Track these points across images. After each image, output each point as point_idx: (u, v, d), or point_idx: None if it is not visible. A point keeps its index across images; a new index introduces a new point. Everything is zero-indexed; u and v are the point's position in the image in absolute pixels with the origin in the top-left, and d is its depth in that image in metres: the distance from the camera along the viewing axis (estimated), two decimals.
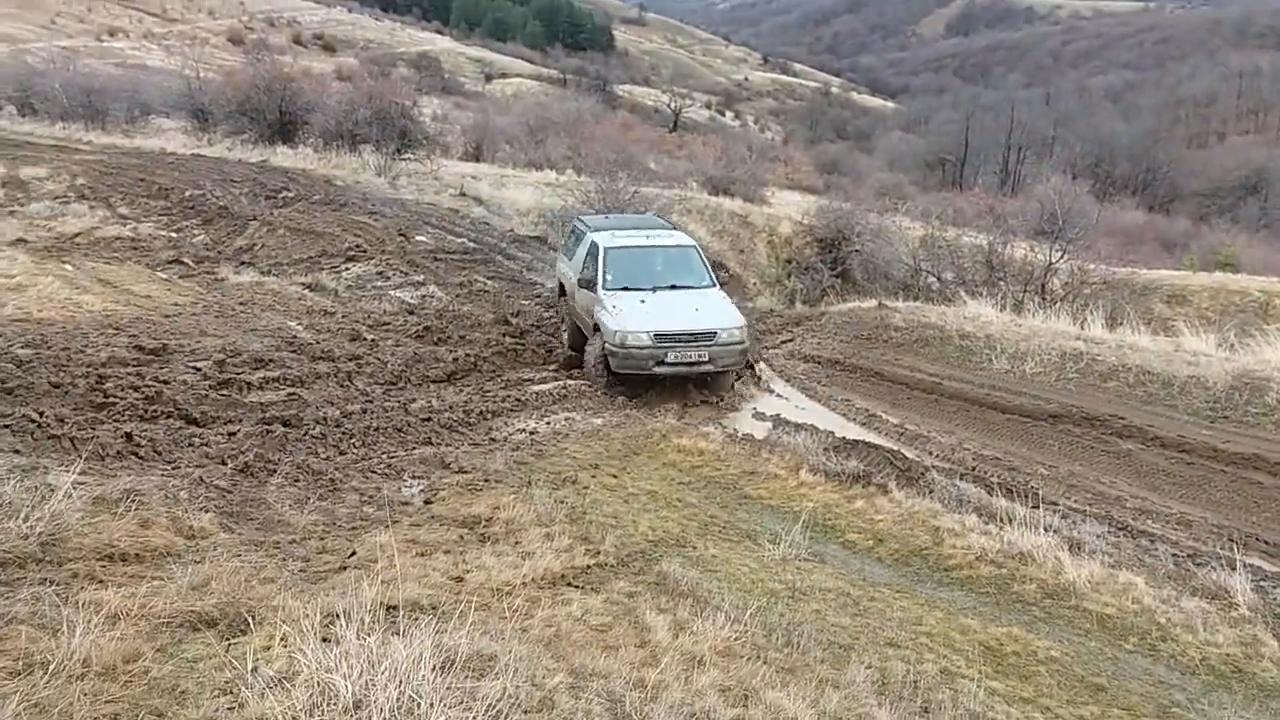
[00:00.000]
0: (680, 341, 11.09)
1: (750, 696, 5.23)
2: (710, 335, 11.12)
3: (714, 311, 11.42)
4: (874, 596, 7.19)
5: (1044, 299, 16.41)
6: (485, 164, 30.05)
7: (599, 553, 7.10)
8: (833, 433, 10.39)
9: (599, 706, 4.72)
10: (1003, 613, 7.19)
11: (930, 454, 10.22)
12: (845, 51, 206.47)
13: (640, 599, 6.46)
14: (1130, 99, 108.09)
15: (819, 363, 12.99)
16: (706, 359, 11.13)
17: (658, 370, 11.15)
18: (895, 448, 10.14)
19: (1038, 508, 8.34)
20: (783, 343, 14.00)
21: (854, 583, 7.37)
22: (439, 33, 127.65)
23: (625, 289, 11.63)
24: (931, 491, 8.95)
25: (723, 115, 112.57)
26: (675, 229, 13.38)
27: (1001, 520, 8.30)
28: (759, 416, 11.11)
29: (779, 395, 11.90)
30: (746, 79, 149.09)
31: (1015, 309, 15.09)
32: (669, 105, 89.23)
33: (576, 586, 6.55)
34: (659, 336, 11.07)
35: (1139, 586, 7.36)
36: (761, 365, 12.86)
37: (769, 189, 33.91)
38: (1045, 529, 8.10)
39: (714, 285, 12.03)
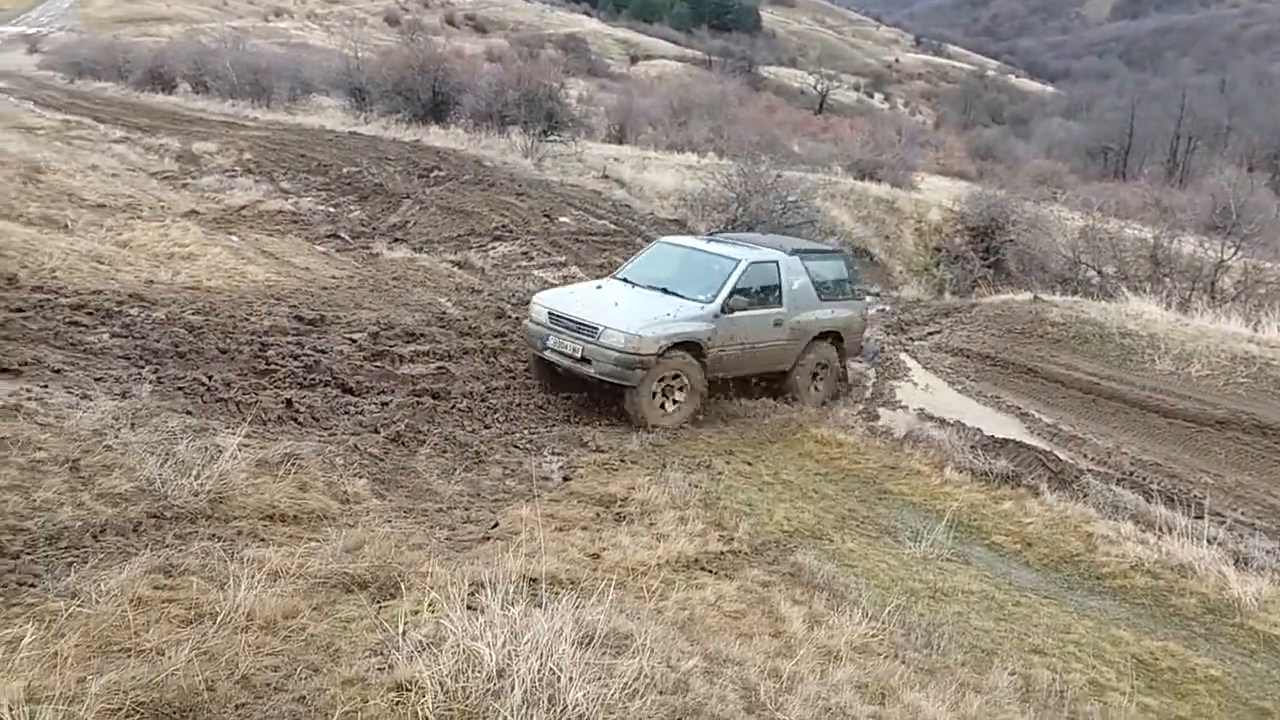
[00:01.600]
0: (564, 328, 9.69)
1: (888, 695, 5.12)
2: (592, 331, 9.43)
3: (627, 312, 9.65)
4: (1020, 601, 6.93)
5: (1213, 298, 15.44)
6: (628, 146, 30.24)
7: (733, 539, 7.08)
8: (980, 430, 10.04)
9: (733, 694, 4.70)
10: (1159, 626, 6.83)
11: (1085, 457, 9.77)
12: (1004, 34, 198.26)
13: (775, 589, 6.41)
14: None
15: (968, 356, 12.57)
16: (581, 356, 9.50)
17: (546, 355, 9.91)
18: (1048, 448, 9.75)
19: (1201, 518, 7.89)
20: (929, 334, 13.61)
21: (999, 586, 7.12)
22: (587, 14, 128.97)
23: (626, 281, 10.67)
24: (1085, 496, 8.57)
25: (871, 98, 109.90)
26: (789, 249, 11.12)
27: (1160, 529, 7.89)
28: (901, 409, 10.84)
29: (924, 389, 11.57)
30: (897, 60, 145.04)
31: (1181, 308, 14.27)
32: (815, 87, 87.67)
33: (710, 571, 6.55)
34: (551, 315, 9.86)
35: None
36: (905, 357, 12.53)
37: (918, 174, 32.99)
38: (1208, 541, 7.65)
39: (712, 302, 9.95)
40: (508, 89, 26.69)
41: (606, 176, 22.35)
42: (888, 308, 15.24)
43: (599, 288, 10.62)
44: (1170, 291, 15.19)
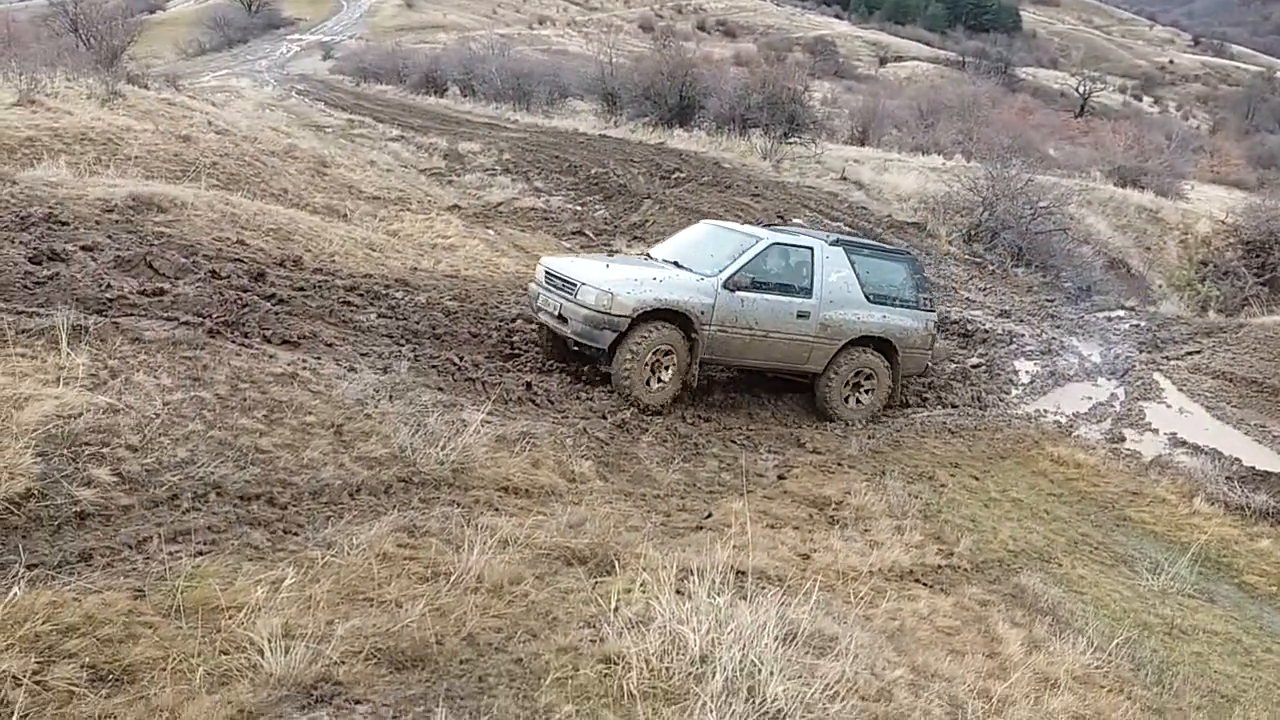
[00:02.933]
0: (553, 286, 9.03)
1: None
2: (571, 287, 8.73)
3: (612, 272, 8.90)
4: (1271, 649, 6.35)
5: None
6: (870, 148, 29.66)
7: (952, 554, 6.90)
8: (1240, 460, 9.20)
9: (939, 708, 4.63)
10: None
11: None
12: None
13: (993, 608, 6.21)
14: None
15: (1231, 380, 11.49)
16: (559, 313, 8.80)
17: (539, 316, 9.23)
18: None
19: None
20: (1188, 354, 12.52)
21: (1248, 629, 6.55)
22: (838, 17, 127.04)
23: (647, 255, 10.11)
24: None
25: (1139, 100, 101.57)
26: (826, 237, 10.10)
27: None
28: (1150, 432, 10.09)
29: (1179, 412, 10.70)
30: (1171, 62, 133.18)
31: None
32: (1076, 89, 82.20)
33: (925, 584, 6.43)
34: (546, 274, 9.22)
35: None
36: (1158, 377, 11.63)
37: (1188, 182, 30.33)
38: None
39: (715, 276, 9.05)
40: (751, 92, 26.89)
41: (845, 178, 22.06)
42: (1142, 322, 14.14)
43: (611, 255, 10.07)
44: None
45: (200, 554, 4.66)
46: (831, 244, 9.85)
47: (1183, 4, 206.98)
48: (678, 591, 4.86)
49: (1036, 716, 4.78)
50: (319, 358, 7.59)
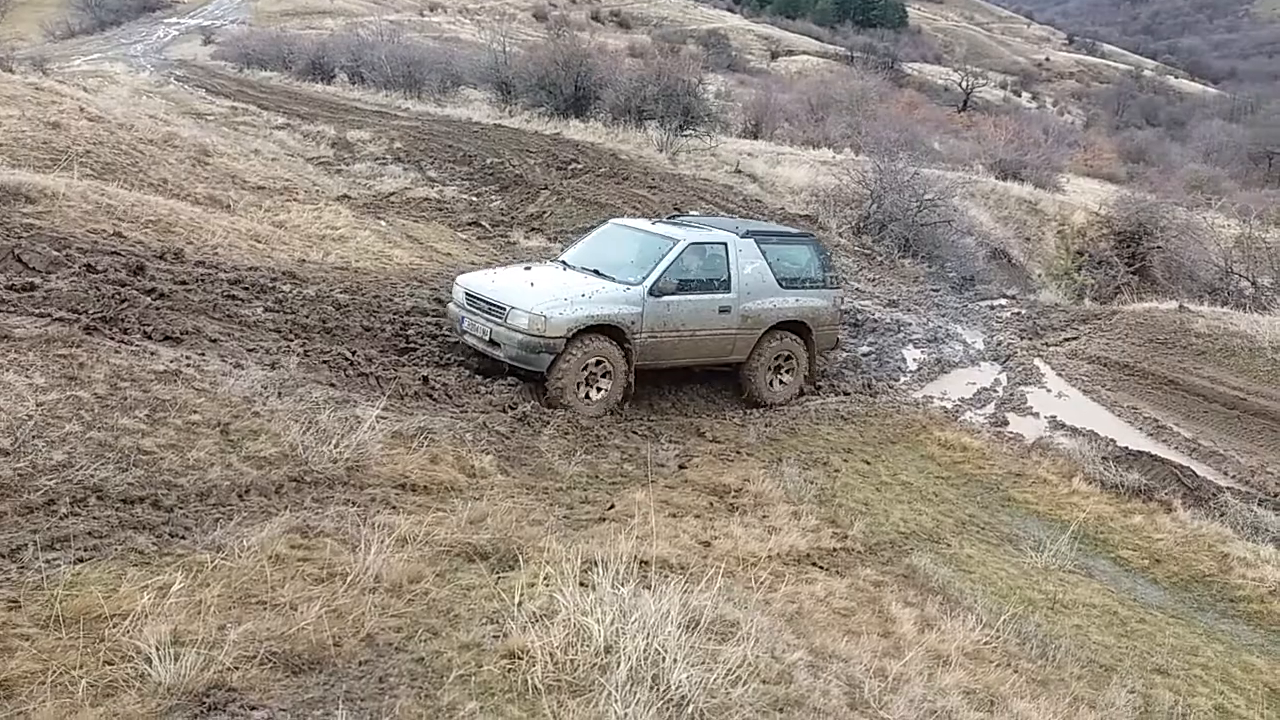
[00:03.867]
0: (477, 309, 9.05)
1: (997, 703, 5.07)
2: (500, 312, 8.75)
3: (539, 292, 8.89)
4: (1144, 619, 6.70)
5: None
6: (763, 141, 30.08)
7: (846, 537, 7.09)
8: (1114, 441, 9.68)
9: (837, 689, 4.74)
10: None
11: (1225, 474, 9.32)
12: (1164, 32, 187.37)
13: (887, 589, 6.39)
14: None
15: (1105, 365, 12.08)
16: (490, 338, 8.82)
17: (465, 339, 9.24)
18: (1185, 463, 9.31)
19: None
20: (1066, 340, 13.12)
21: (1123, 602, 6.90)
22: (730, 10, 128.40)
23: (562, 263, 10.01)
24: (1223, 515, 8.19)
25: (1018, 96, 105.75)
26: (743, 231, 10.25)
27: None
28: (1031, 415, 10.54)
29: (1057, 396, 11.20)
30: (1048, 59, 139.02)
31: None
32: (960, 84, 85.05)
33: (821, 567, 6.58)
34: (468, 296, 9.22)
35: None
36: (1039, 363, 12.14)
37: (1064, 176, 31.70)
38: None
39: (639, 284, 9.17)
40: (647, 84, 26.89)
41: (739, 171, 22.31)
42: (1022, 310, 14.75)
43: (526, 269, 9.98)
44: None
45: (80, 561, 4.46)
46: (743, 236, 10.04)
47: (1058, 3, 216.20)
48: (581, 584, 4.86)
49: (930, 693, 4.94)
50: (203, 354, 7.32)
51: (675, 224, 10.57)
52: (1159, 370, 11.83)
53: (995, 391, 11.27)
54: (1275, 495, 8.84)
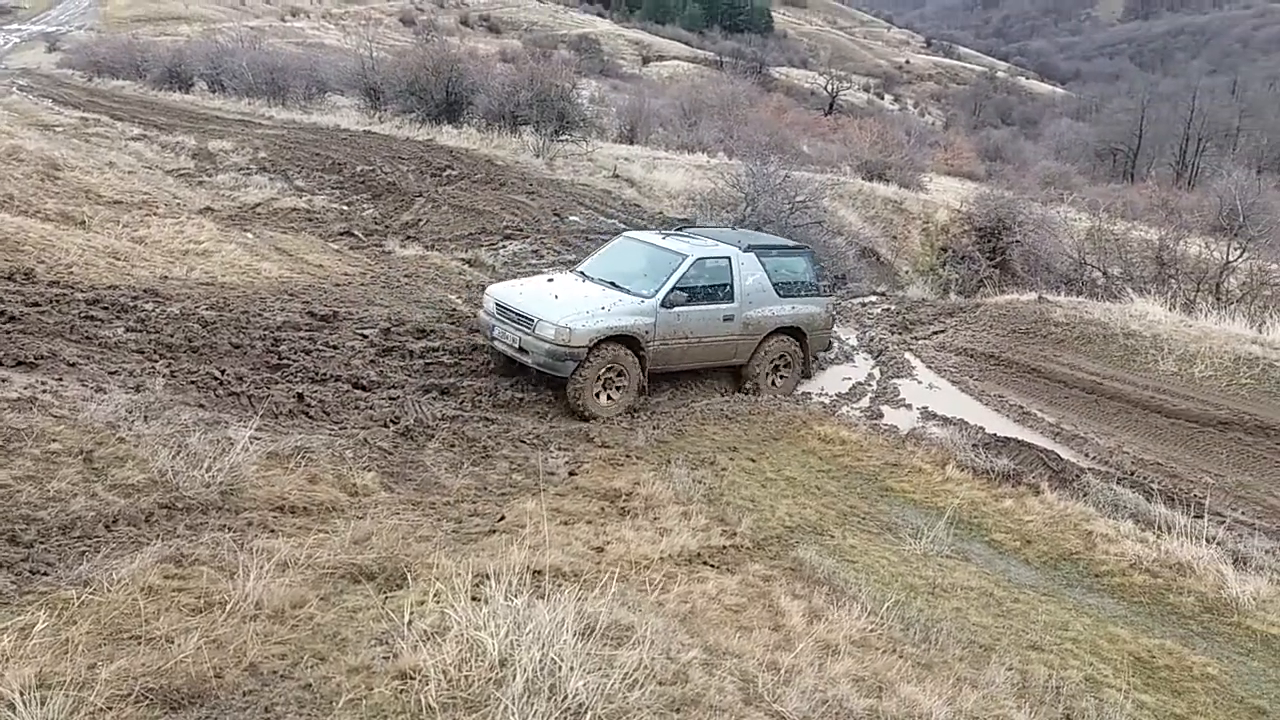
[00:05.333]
0: (507, 319, 9.87)
1: (885, 689, 5.21)
2: (529, 323, 9.58)
3: (562, 305, 9.76)
4: (1018, 598, 7.01)
5: (1218, 300, 15.41)
6: (639, 146, 30.29)
7: (735, 534, 7.18)
8: (983, 428, 10.11)
9: (732, 684, 4.80)
10: (1156, 624, 6.90)
11: (1087, 456, 9.84)
12: (1014, 35, 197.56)
13: (775, 583, 6.50)
14: None
15: (971, 356, 12.62)
16: (519, 346, 9.63)
17: (496, 345, 10.09)
18: (1049, 447, 9.80)
19: (1200, 518, 7.95)
20: (934, 334, 13.65)
21: (998, 583, 7.20)
22: (600, 15, 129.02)
23: (582, 274, 10.79)
24: (1086, 495, 8.63)
25: (881, 99, 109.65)
26: (745, 246, 11.05)
27: (1160, 529, 7.96)
28: (905, 407, 10.92)
29: (928, 387, 11.63)
30: (908, 62, 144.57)
31: (1186, 309, 14.25)
32: (825, 88, 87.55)
33: (712, 566, 6.65)
34: (498, 306, 10.07)
35: None
36: (909, 356, 12.59)
37: (926, 175, 32.95)
38: (1208, 540, 7.72)
39: (652, 296, 10.03)
40: (520, 89, 26.73)
41: (617, 176, 22.43)
42: (892, 306, 15.28)
43: (550, 280, 10.74)
44: (1175, 293, 15.16)
45: None
46: (745, 250, 10.91)
47: (915, 7, 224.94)
48: (473, 598, 4.80)
49: (821, 683, 5.05)
50: (60, 379, 6.93)
51: (682, 238, 11.28)
52: (1022, 359, 12.42)
53: (870, 385, 11.63)
54: (1132, 473, 9.38)
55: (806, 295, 11.34)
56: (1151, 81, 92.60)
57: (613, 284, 10.29)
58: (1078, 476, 9.00)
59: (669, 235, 11.53)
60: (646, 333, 9.93)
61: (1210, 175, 44.46)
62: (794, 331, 11.20)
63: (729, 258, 10.71)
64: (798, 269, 11.44)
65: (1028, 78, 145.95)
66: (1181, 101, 72.87)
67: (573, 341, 9.40)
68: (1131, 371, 11.98)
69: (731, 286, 10.63)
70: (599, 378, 9.67)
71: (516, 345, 9.69)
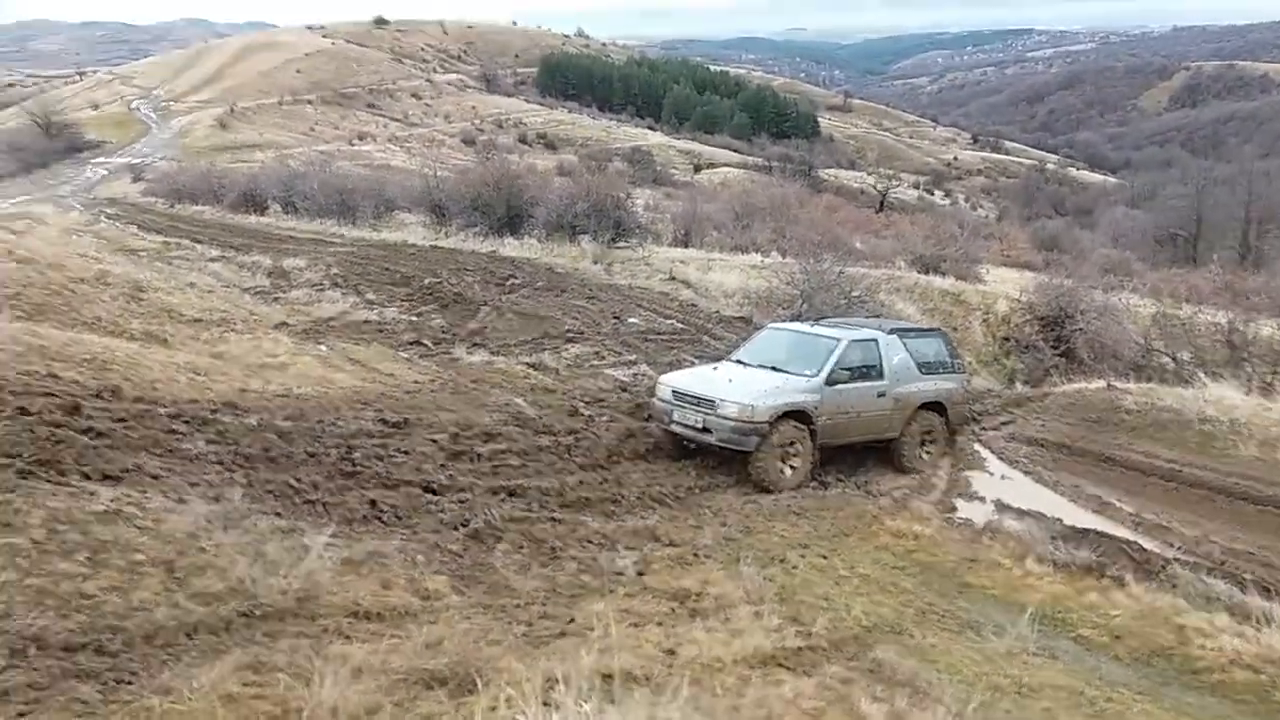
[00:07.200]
0: (686, 403, 10.90)
1: None
2: (710, 404, 10.63)
3: (741, 387, 10.82)
4: (1111, 697, 6.70)
5: None
6: (693, 249, 30.73)
7: (810, 634, 7.01)
8: (1060, 520, 9.83)
9: None
10: None
11: (1171, 546, 9.46)
12: (1060, 128, 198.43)
13: (854, 685, 6.31)
14: None
15: (1043, 446, 12.36)
16: (701, 426, 10.67)
17: (673, 429, 11.07)
18: (1131, 538, 9.49)
19: None
20: (1002, 424, 13.42)
21: (1089, 681, 6.90)
22: (651, 129, 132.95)
23: (740, 362, 11.84)
24: (1174, 586, 8.30)
25: (931, 194, 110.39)
26: (882, 329, 12.36)
27: (1258, 621, 7.57)
28: (978, 500, 10.69)
29: (1001, 479, 11.40)
30: (955, 158, 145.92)
31: (1263, 392, 13.84)
32: (875, 186, 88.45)
33: (788, 668, 6.48)
34: (675, 393, 11.10)
35: None
36: (979, 448, 12.38)
37: (983, 266, 32.81)
38: None
39: (817, 375, 11.08)
40: (577, 200, 27.55)
41: (673, 278, 22.75)
42: None
43: (715, 368, 11.82)
44: (1250, 376, 14.77)
45: (21, 715, 4.24)
46: (889, 333, 12.06)
47: (959, 106, 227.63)
48: (544, 703, 4.73)
49: None
50: (144, 491, 7.12)
51: (828, 325, 12.47)
52: (1095, 448, 12.14)
53: (940, 478, 11.43)
54: (1222, 563, 9.01)
55: (945, 372, 12.41)
56: (1204, 167, 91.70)
57: (774, 368, 11.36)
58: (1164, 567, 8.67)
59: (816, 324, 12.71)
60: (815, 408, 10.91)
61: (1275, 257, 43.66)
62: (936, 406, 12.10)
63: (876, 340, 11.77)
64: (933, 349, 12.53)
65: (1078, 168, 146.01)
66: (1238, 185, 72.14)
67: (756, 417, 10.41)
68: (1211, 458, 11.62)
69: (880, 366, 11.60)
70: (780, 451, 10.52)
71: (700, 426, 10.65)
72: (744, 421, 10.43)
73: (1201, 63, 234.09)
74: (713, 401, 10.63)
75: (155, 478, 7.55)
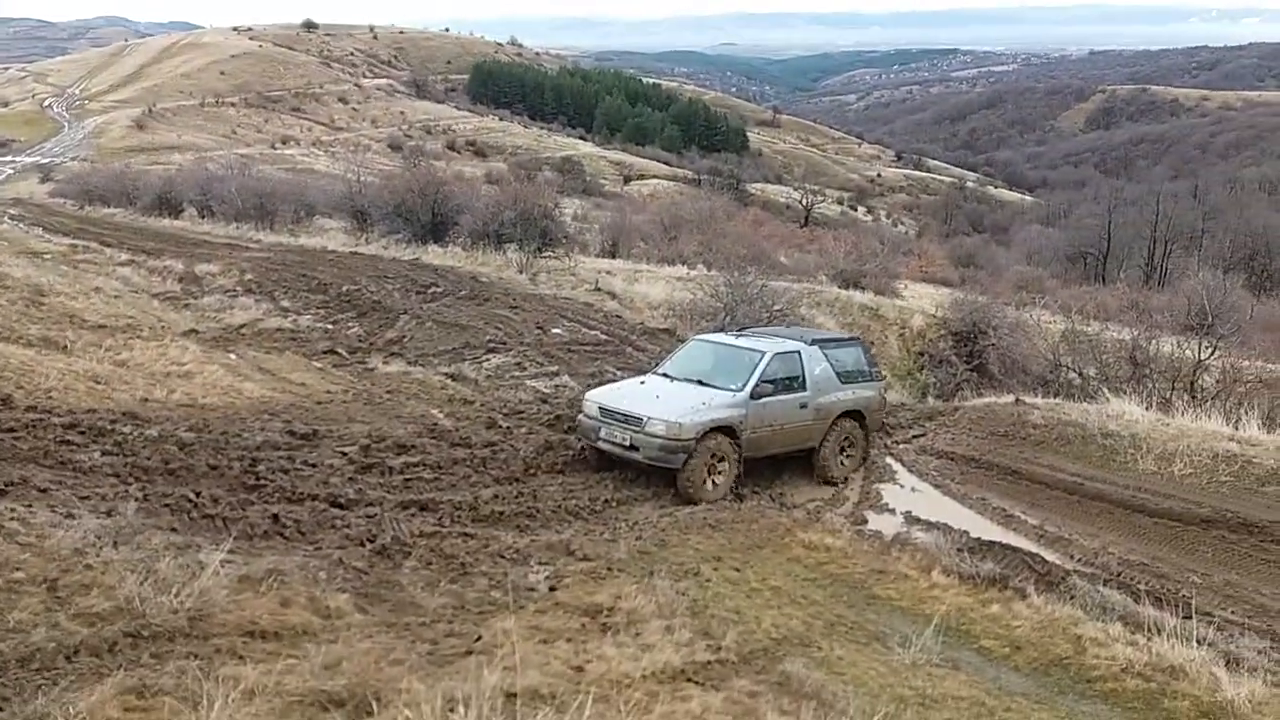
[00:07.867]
0: (613, 420, 10.89)
1: None
2: (638, 421, 10.64)
3: (668, 403, 10.83)
4: (1010, 707, 6.84)
5: (1193, 397, 15.55)
6: (620, 260, 30.82)
7: (720, 648, 7.01)
8: (967, 532, 10.03)
9: None
10: None
11: (1071, 558, 9.74)
12: (981, 147, 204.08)
13: (762, 699, 6.33)
14: None
15: (952, 459, 12.62)
16: (629, 444, 10.67)
17: (600, 445, 11.03)
18: (1034, 550, 9.73)
19: (1190, 618, 7.82)
20: (914, 437, 13.67)
21: (989, 691, 7.03)
22: (582, 139, 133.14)
23: (666, 375, 11.83)
24: (1073, 597, 8.52)
25: (854, 210, 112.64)
26: (807, 340, 12.38)
27: (1150, 631, 7.81)
28: (888, 512, 10.86)
29: (911, 491, 11.59)
30: (879, 175, 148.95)
31: (1162, 407, 14.33)
32: (800, 201, 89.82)
33: (697, 682, 6.47)
34: (602, 410, 11.09)
35: None
36: (890, 460, 12.59)
37: (901, 282, 33.54)
38: (1199, 642, 7.57)
39: (742, 390, 11.09)
40: (504, 208, 27.34)
41: (599, 289, 22.74)
42: None
43: (642, 383, 11.80)
44: (1151, 392, 15.29)
45: None
46: (810, 344, 12.17)
47: (885, 124, 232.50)
48: None
49: None
50: (30, 505, 6.84)
51: (752, 336, 12.51)
52: (1002, 461, 12.43)
53: (852, 491, 11.58)
54: (1118, 575, 9.28)
55: (863, 381, 12.55)
56: (1116, 188, 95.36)
57: (700, 381, 11.40)
58: (1064, 579, 8.90)
59: (739, 335, 12.74)
60: (741, 422, 10.98)
61: (1179, 276, 45.47)
62: (855, 415, 12.21)
63: (799, 351, 11.87)
64: (854, 357, 12.70)
65: (996, 186, 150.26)
66: (1147, 206, 75.07)
67: (683, 435, 10.48)
68: (1112, 471, 11.98)
69: (803, 377, 11.71)
70: (706, 466, 10.63)
71: (627, 444, 10.68)
72: (672, 439, 10.48)
73: (1116, 86, 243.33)
74: (640, 419, 10.65)
75: (43, 491, 7.27)
